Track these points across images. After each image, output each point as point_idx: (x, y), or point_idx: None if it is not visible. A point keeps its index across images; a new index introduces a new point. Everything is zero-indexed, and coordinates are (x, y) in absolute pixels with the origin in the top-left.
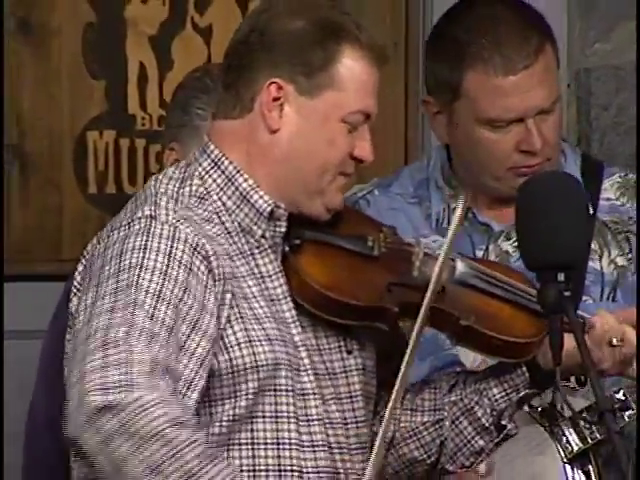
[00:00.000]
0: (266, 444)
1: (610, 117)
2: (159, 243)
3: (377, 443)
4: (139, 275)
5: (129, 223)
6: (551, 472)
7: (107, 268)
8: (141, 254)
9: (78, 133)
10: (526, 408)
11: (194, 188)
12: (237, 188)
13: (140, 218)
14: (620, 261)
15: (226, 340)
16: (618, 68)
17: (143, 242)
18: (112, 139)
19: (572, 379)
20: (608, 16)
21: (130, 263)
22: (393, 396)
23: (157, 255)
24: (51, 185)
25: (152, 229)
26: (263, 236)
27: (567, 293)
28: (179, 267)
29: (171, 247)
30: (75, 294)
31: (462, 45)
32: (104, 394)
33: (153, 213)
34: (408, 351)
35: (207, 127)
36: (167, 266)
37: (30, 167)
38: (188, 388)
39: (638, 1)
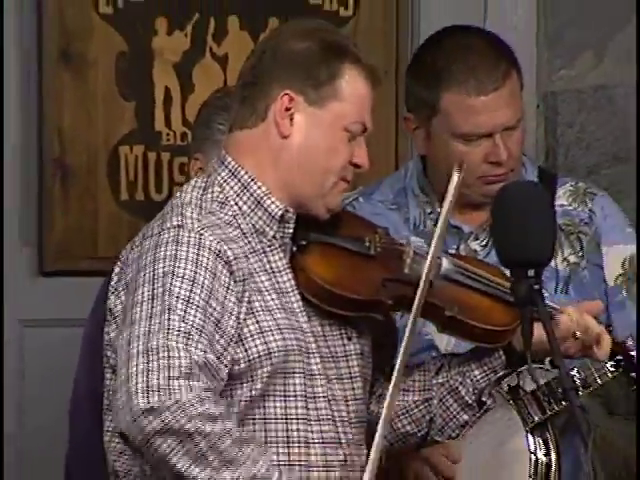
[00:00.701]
0: (276, 419)
1: (573, 134)
2: (187, 251)
3: (381, 422)
4: (171, 283)
5: (160, 232)
6: (516, 439)
7: (142, 274)
8: (172, 262)
9: (111, 148)
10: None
11: (215, 195)
12: (252, 194)
13: (169, 228)
14: (572, 259)
15: (242, 333)
16: (580, 91)
17: (173, 251)
18: (141, 153)
19: (547, 361)
20: (571, 47)
21: (163, 272)
22: (393, 380)
23: (186, 263)
24: (88, 193)
25: (180, 238)
26: (274, 237)
27: (537, 287)
28: (205, 272)
29: (197, 254)
30: (112, 292)
31: (440, 69)
32: (147, 397)
33: (180, 223)
34: (405, 338)
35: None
36: (195, 272)
37: (70, 178)
38: (214, 378)
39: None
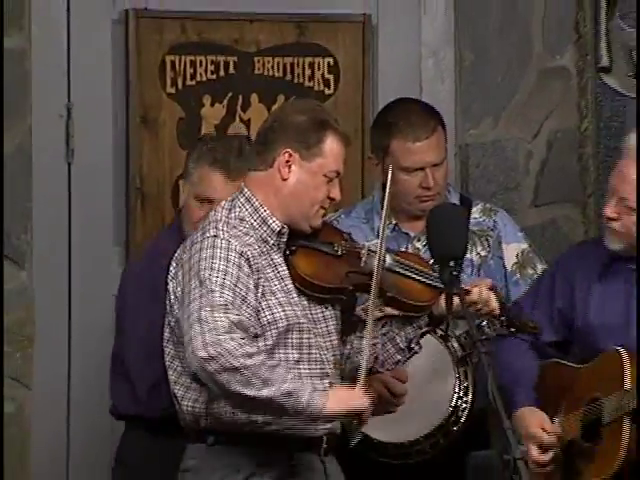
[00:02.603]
0: (279, 362)
1: (479, 172)
2: (220, 253)
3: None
4: (210, 274)
5: (202, 240)
6: (446, 367)
7: (192, 269)
8: (210, 260)
9: (173, 181)
10: (433, 334)
11: (236, 214)
12: (260, 215)
13: (208, 237)
14: (482, 253)
15: (257, 309)
16: (483, 144)
17: (211, 252)
18: None
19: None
20: (477, 115)
21: (205, 266)
22: (366, 342)
23: (220, 260)
24: (158, 211)
25: (216, 244)
26: (274, 244)
27: (455, 273)
28: (233, 266)
29: (227, 254)
30: (172, 279)
31: (390, 124)
32: (205, 350)
33: (215, 233)
34: (370, 311)
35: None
36: (226, 266)
37: (146, 200)
38: (247, 331)
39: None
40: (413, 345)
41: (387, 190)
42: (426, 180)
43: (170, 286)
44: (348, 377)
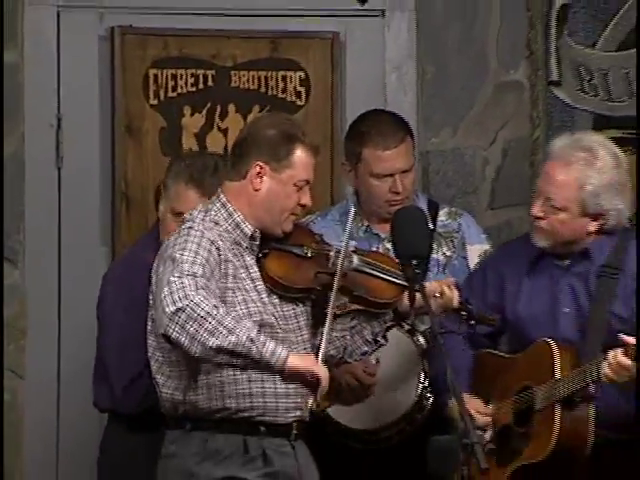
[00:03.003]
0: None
1: (439, 177)
2: (193, 239)
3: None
4: (181, 254)
5: (178, 232)
6: (412, 359)
7: (168, 253)
8: (183, 244)
9: (156, 187)
10: (400, 329)
11: (212, 217)
12: (234, 220)
13: (184, 229)
14: (448, 253)
15: (226, 299)
16: (443, 152)
17: (184, 239)
18: None
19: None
20: (437, 125)
21: (177, 249)
22: (325, 329)
23: (192, 244)
24: (142, 215)
25: (190, 232)
26: (246, 247)
27: (417, 271)
28: (204, 250)
29: (200, 240)
30: (154, 273)
31: (362, 133)
32: (174, 305)
33: (191, 226)
34: (329, 309)
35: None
36: (197, 249)
37: (131, 204)
38: (212, 296)
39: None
40: (379, 338)
41: (345, 240)
42: (395, 185)
43: (153, 279)
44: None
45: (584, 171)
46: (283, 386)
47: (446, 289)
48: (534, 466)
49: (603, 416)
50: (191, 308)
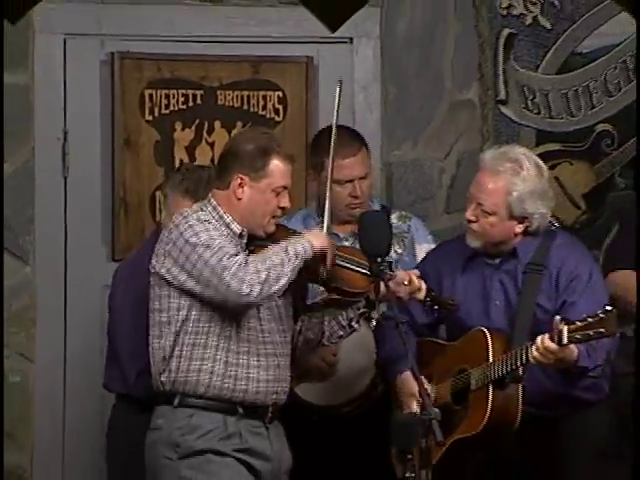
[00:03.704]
0: (248, 338)
1: (400, 185)
2: (198, 227)
3: None
4: (212, 239)
5: (177, 225)
6: (368, 341)
7: (179, 244)
8: (206, 233)
9: (151, 192)
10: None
11: (203, 217)
12: (224, 221)
13: (182, 222)
14: (399, 251)
15: None
16: (404, 162)
17: (189, 228)
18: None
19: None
20: (399, 139)
21: (190, 236)
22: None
23: (199, 229)
24: (138, 217)
25: (191, 223)
26: (235, 245)
27: (382, 267)
28: (213, 231)
29: (206, 227)
30: (156, 262)
31: (323, 146)
32: (244, 286)
33: (187, 217)
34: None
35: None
36: (206, 229)
37: (129, 208)
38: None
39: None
40: (353, 323)
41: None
42: (354, 190)
43: (155, 268)
44: (301, 349)
45: (511, 179)
46: (264, 373)
47: (414, 278)
48: (469, 439)
49: (530, 395)
50: (254, 278)
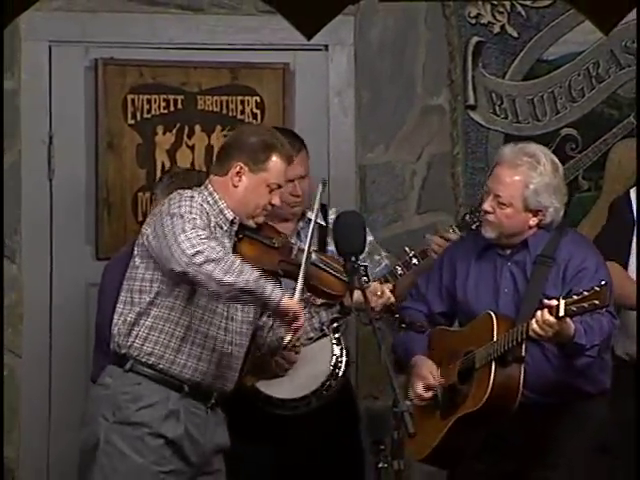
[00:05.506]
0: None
1: (374, 187)
2: (185, 203)
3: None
4: (190, 212)
5: (167, 201)
6: (326, 347)
7: (172, 211)
8: (189, 208)
9: (133, 194)
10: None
11: (199, 202)
12: (218, 207)
13: (185, 197)
14: (331, 248)
15: None
16: (377, 164)
17: (189, 203)
18: (148, 196)
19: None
20: (372, 143)
21: (185, 210)
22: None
23: (195, 209)
24: (121, 218)
25: (192, 201)
26: (226, 230)
27: (356, 266)
28: (204, 214)
29: (191, 205)
30: (143, 236)
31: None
32: (193, 248)
33: (192, 195)
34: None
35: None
36: (199, 214)
37: (112, 209)
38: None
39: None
40: (324, 327)
41: (315, 213)
42: (295, 189)
43: (149, 234)
44: (269, 345)
45: (528, 173)
46: (217, 357)
47: (386, 290)
48: (471, 415)
49: (531, 380)
50: (208, 251)
